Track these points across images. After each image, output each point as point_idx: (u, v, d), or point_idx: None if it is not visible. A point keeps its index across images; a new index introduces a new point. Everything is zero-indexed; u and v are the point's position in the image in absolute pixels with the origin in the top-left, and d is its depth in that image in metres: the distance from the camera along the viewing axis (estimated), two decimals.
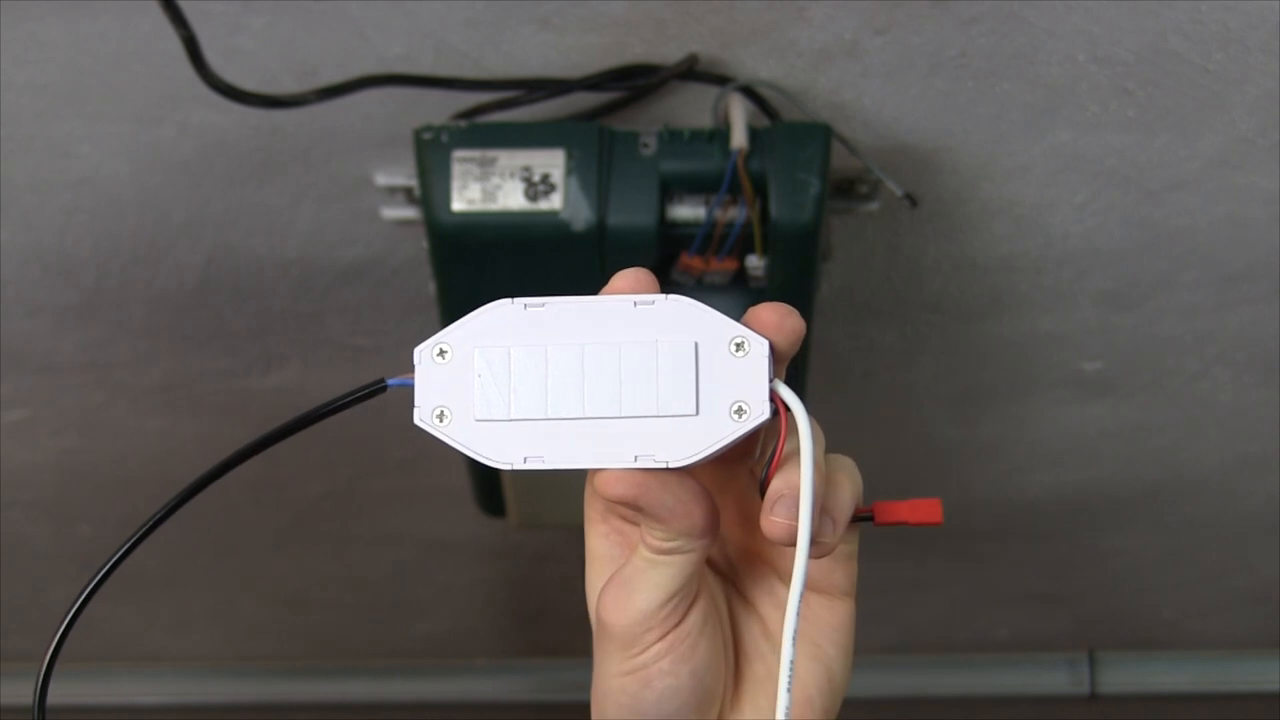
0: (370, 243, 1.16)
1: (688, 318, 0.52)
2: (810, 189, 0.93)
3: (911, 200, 1.02)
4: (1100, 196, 1.10)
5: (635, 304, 0.53)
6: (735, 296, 1.03)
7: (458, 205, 0.94)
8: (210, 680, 1.93)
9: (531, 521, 1.20)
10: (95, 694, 1.90)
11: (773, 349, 0.52)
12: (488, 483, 1.16)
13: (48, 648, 0.57)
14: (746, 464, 0.57)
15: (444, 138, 0.95)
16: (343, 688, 1.98)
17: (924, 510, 0.61)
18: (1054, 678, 1.87)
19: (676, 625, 0.54)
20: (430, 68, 0.97)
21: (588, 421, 0.54)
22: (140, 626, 1.90)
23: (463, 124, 0.95)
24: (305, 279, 1.20)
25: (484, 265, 0.97)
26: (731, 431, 0.52)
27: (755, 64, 0.97)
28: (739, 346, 0.52)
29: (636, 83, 0.97)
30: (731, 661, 0.57)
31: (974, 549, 1.73)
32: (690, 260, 0.97)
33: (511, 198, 0.94)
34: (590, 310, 0.54)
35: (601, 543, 0.59)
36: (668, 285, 1.02)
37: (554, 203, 0.94)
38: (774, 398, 0.52)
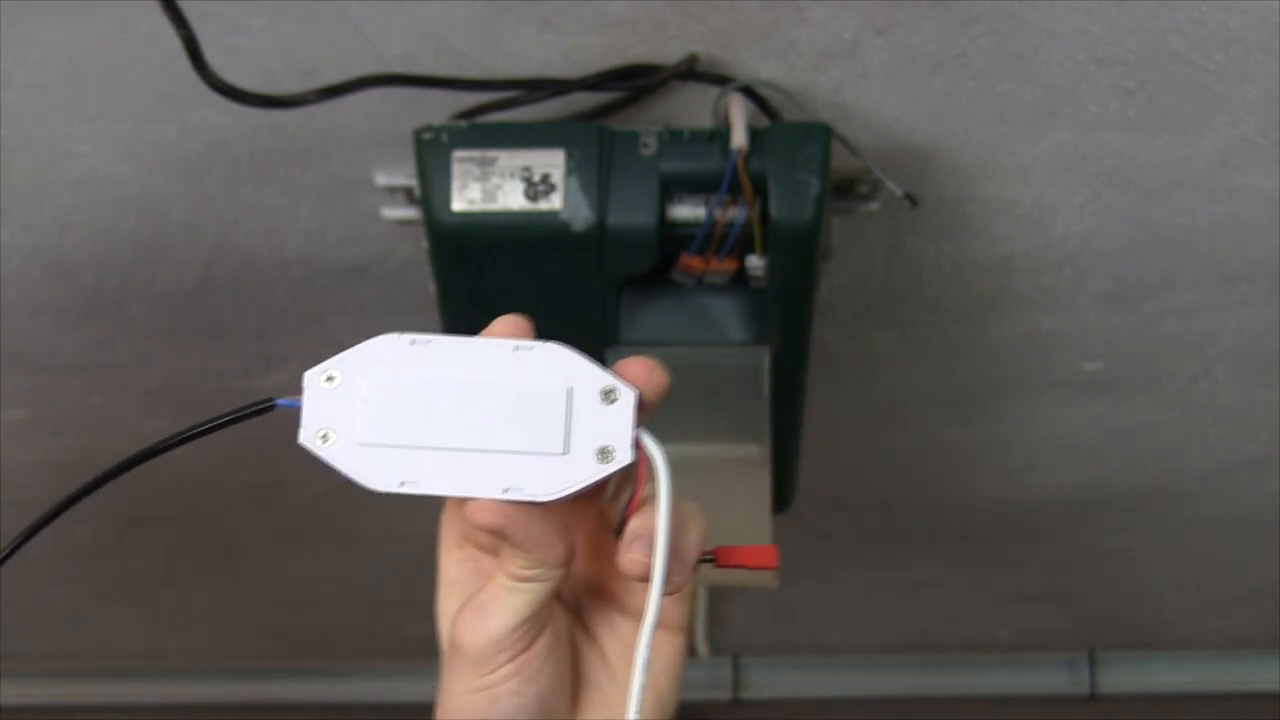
0: (370, 243, 1.16)
1: (563, 364, 0.57)
2: (810, 189, 0.93)
3: (911, 200, 1.02)
4: (1100, 196, 1.10)
5: (515, 348, 0.58)
6: (735, 296, 1.03)
7: (458, 205, 0.94)
8: (210, 680, 1.93)
9: None
10: (95, 694, 1.90)
11: (640, 399, 0.57)
12: None
13: None
14: (598, 503, 0.61)
15: (444, 138, 0.95)
16: (343, 688, 1.98)
17: (761, 556, 0.64)
18: (1054, 678, 1.87)
19: (526, 649, 0.58)
20: (430, 68, 0.97)
21: (464, 453, 0.57)
22: (140, 626, 1.90)
23: (463, 124, 0.95)
24: (305, 279, 1.20)
25: (484, 265, 0.97)
26: (596, 473, 0.57)
27: (755, 64, 0.97)
28: (608, 395, 0.57)
29: (636, 83, 0.97)
30: (569, 688, 0.61)
31: (974, 549, 1.73)
32: (690, 260, 0.97)
33: (511, 198, 0.94)
34: (473, 350, 0.60)
35: (456, 568, 0.62)
36: (668, 285, 1.02)
37: (554, 203, 0.94)
38: (637, 444, 0.57)
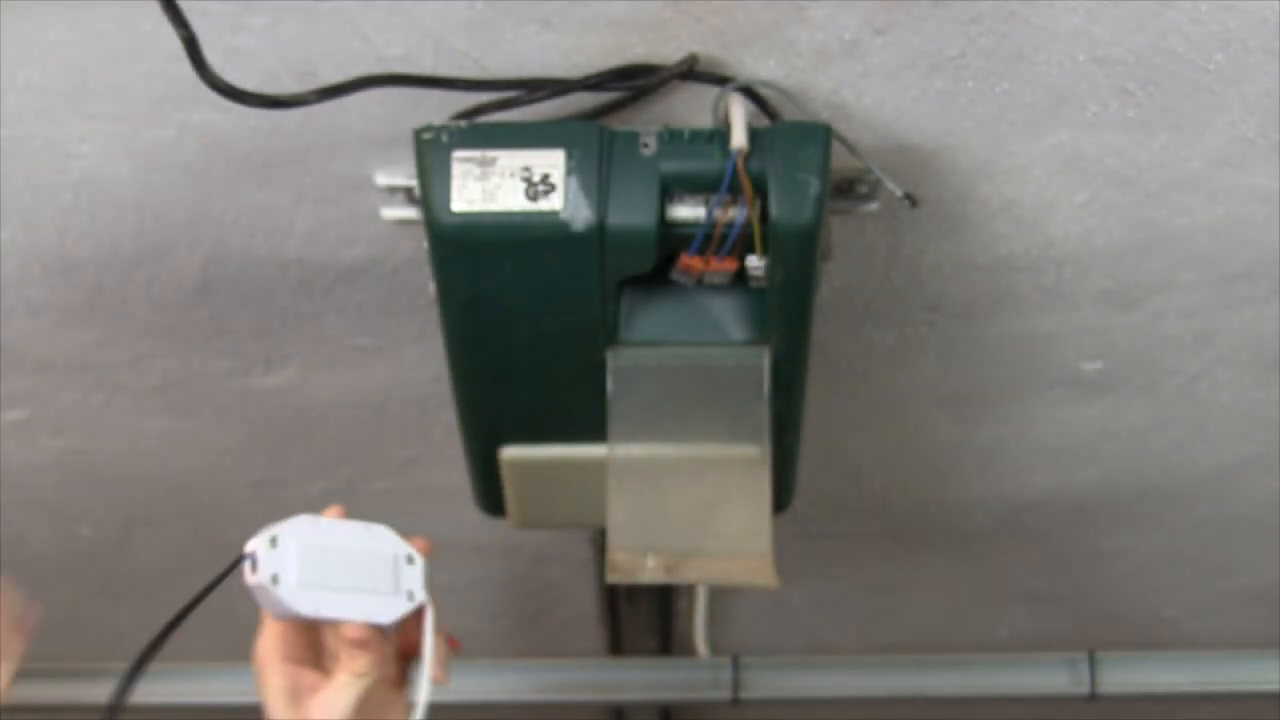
0: (370, 243, 1.16)
1: (389, 538, 0.94)
2: (810, 189, 0.93)
3: (911, 200, 1.02)
4: (1100, 196, 1.10)
5: (366, 528, 0.94)
6: (735, 296, 1.03)
7: (458, 205, 0.94)
8: (210, 680, 1.93)
9: (531, 521, 1.20)
10: (95, 694, 1.90)
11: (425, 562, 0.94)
12: (488, 483, 1.16)
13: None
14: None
15: (444, 138, 0.95)
16: None
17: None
18: (1054, 678, 1.86)
19: None
20: (430, 68, 0.97)
21: (344, 591, 0.91)
22: (140, 626, 1.89)
23: (463, 124, 0.95)
24: (305, 279, 1.20)
25: (484, 265, 0.97)
26: (410, 607, 0.93)
27: (755, 64, 0.97)
28: (410, 559, 0.94)
29: (636, 83, 0.97)
30: None
31: (974, 549, 1.73)
32: (690, 260, 0.97)
33: (511, 198, 0.94)
34: (346, 528, 0.93)
35: (280, 680, 0.93)
36: (668, 285, 1.02)
37: (554, 203, 0.94)
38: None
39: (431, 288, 1.02)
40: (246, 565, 0.91)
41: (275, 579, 0.90)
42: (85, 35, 0.96)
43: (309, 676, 0.92)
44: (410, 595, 0.93)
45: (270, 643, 0.93)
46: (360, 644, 0.90)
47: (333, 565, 0.91)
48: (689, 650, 1.94)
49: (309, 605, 0.90)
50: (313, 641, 0.94)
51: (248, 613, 2.02)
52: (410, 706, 0.94)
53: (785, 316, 1.00)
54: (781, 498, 1.16)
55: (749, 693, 1.84)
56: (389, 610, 0.92)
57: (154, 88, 1.00)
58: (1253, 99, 1.00)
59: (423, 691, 0.94)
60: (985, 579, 1.82)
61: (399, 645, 0.95)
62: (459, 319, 1.02)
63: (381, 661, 0.91)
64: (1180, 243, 1.15)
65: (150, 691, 1.88)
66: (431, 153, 0.94)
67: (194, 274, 1.19)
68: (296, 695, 0.91)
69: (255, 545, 0.91)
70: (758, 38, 0.95)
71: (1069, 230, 1.14)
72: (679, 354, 1.03)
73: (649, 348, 1.03)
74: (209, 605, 1.92)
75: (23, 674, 2.02)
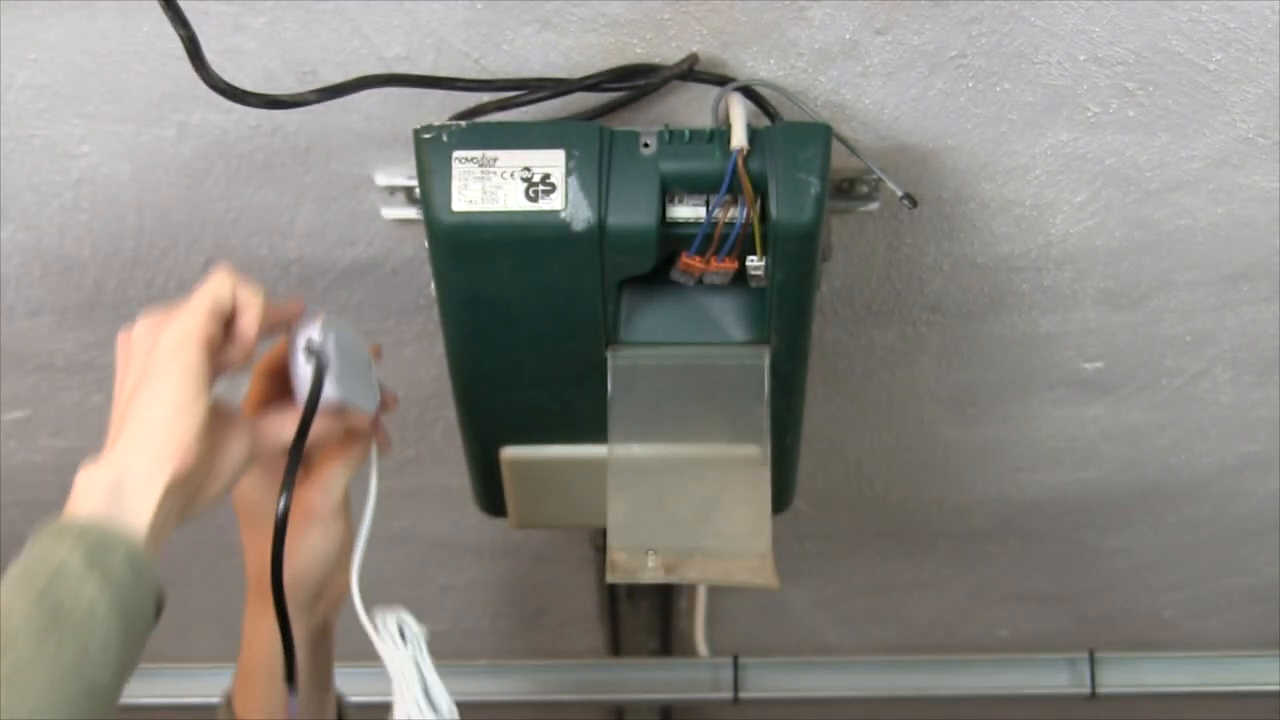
0: (370, 243, 1.16)
1: (361, 340, 1.00)
2: (810, 189, 0.93)
3: (911, 200, 1.02)
4: (1100, 196, 1.10)
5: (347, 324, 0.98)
6: (735, 296, 1.03)
7: (458, 205, 0.94)
8: (210, 680, 1.93)
9: (531, 521, 1.20)
10: None
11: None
12: (488, 483, 1.16)
13: None
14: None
15: (444, 138, 0.95)
16: (342, 687, 1.98)
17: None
18: (1054, 678, 1.86)
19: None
20: (430, 68, 0.97)
21: (354, 383, 0.96)
22: None
23: (463, 124, 0.95)
24: (305, 279, 1.20)
25: (484, 265, 0.97)
26: (378, 400, 1.00)
27: (755, 64, 0.97)
28: (369, 361, 1.01)
29: (636, 83, 0.97)
30: None
31: (974, 549, 1.73)
32: (690, 260, 0.97)
33: (511, 198, 0.94)
34: (342, 325, 0.97)
35: (259, 493, 0.99)
36: (668, 285, 1.02)
37: (554, 203, 0.94)
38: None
39: (431, 288, 1.02)
40: (303, 355, 0.93)
41: (325, 368, 0.93)
42: (85, 35, 0.96)
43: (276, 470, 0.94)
44: (378, 390, 1.00)
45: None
46: (366, 432, 0.98)
47: (348, 359, 0.95)
48: (689, 650, 1.94)
49: (341, 394, 0.94)
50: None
51: None
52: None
53: (785, 316, 1.00)
54: (781, 498, 1.16)
55: (749, 693, 1.84)
56: (371, 402, 0.99)
57: (154, 88, 1.00)
58: (1253, 99, 1.00)
59: (373, 484, 1.02)
60: (985, 579, 1.82)
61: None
62: (459, 319, 1.02)
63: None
64: (1180, 243, 1.15)
65: (150, 691, 1.88)
66: (431, 153, 0.94)
67: (194, 274, 1.19)
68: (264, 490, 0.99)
69: (312, 333, 0.93)
70: (758, 38, 0.95)
71: (1069, 230, 1.14)
72: (679, 354, 1.03)
73: (649, 348, 1.03)
74: (209, 605, 1.93)
75: None
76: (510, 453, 1.13)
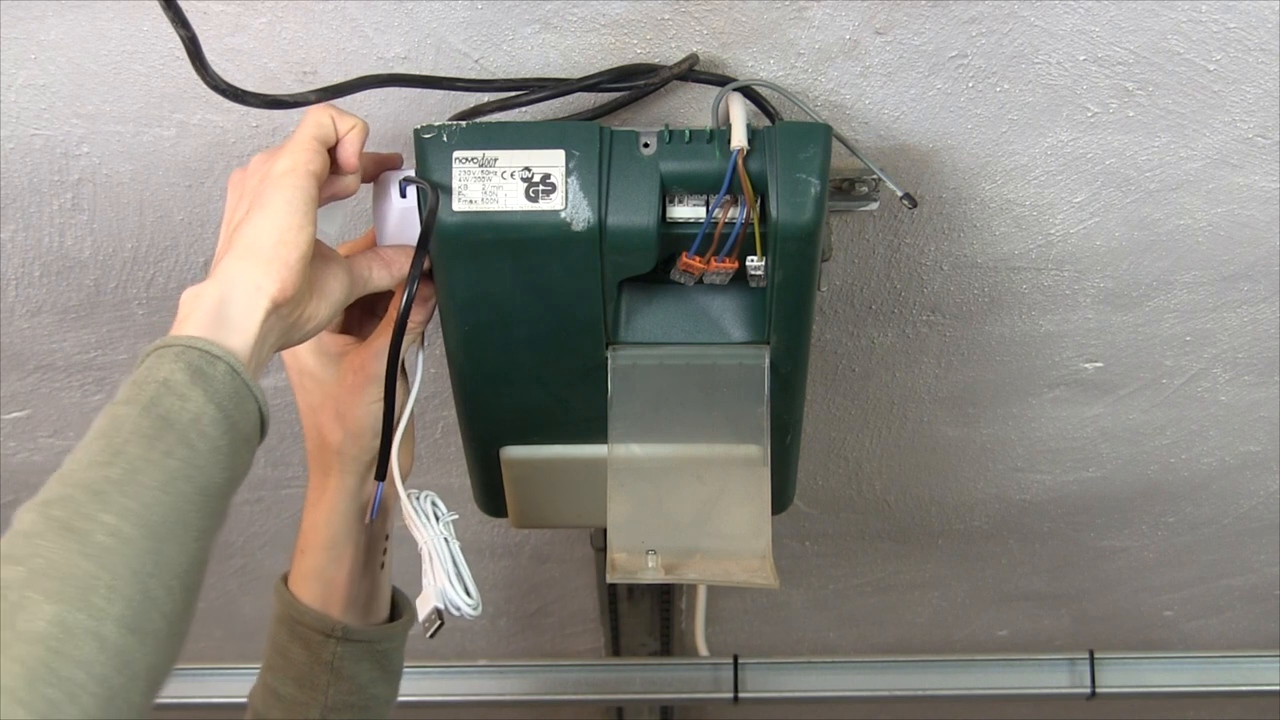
0: None
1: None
2: (810, 189, 0.93)
3: (911, 200, 1.02)
4: (1100, 196, 1.10)
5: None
6: (735, 296, 1.03)
7: (458, 205, 0.94)
8: (211, 680, 1.93)
9: (531, 521, 1.20)
10: None
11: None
12: (488, 483, 1.16)
13: None
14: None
15: (444, 138, 0.95)
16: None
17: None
18: (1054, 678, 1.87)
19: None
20: (430, 68, 0.98)
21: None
22: None
23: (463, 124, 0.95)
24: None
25: (484, 265, 0.97)
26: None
27: (755, 64, 0.97)
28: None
29: (636, 83, 0.97)
30: None
31: (974, 549, 1.73)
32: (690, 260, 0.97)
33: (511, 198, 0.94)
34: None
35: (320, 361, 1.03)
36: (668, 285, 1.02)
37: (554, 203, 0.94)
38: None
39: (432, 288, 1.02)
40: (398, 189, 0.97)
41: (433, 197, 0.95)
42: (85, 35, 0.96)
43: (346, 341, 1.03)
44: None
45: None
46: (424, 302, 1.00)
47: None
48: (689, 650, 1.94)
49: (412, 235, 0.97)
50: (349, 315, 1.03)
51: (248, 613, 2.04)
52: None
53: (785, 316, 1.00)
54: (781, 498, 1.16)
55: (749, 693, 1.84)
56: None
57: (154, 88, 1.00)
58: (1253, 99, 1.00)
59: (420, 360, 1.04)
60: (985, 579, 1.83)
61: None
62: (459, 319, 1.02)
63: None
64: (1180, 243, 1.15)
65: None
66: (431, 153, 0.94)
67: (194, 274, 1.19)
68: (344, 353, 1.02)
69: (408, 173, 0.97)
70: (758, 38, 0.95)
71: (1069, 230, 1.14)
72: (679, 354, 1.03)
73: (649, 348, 1.03)
74: (208, 606, 1.93)
75: None
76: (510, 453, 1.13)
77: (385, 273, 0.95)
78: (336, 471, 1.02)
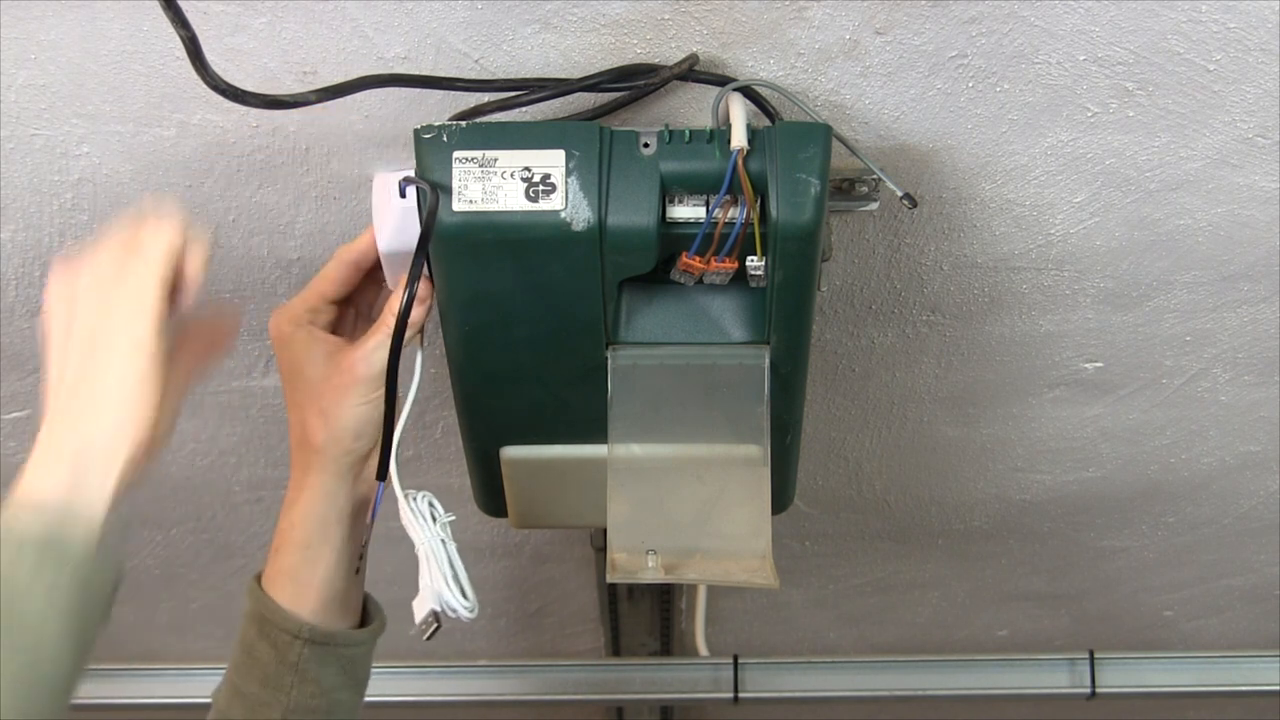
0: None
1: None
2: (810, 189, 0.93)
3: (911, 200, 1.02)
4: (1100, 196, 1.10)
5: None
6: (735, 296, 1.03)
7: (458, 205, 0.94)
8: (210, 680, 1.93)
9: (531, 521, 1.20)
10: (95, 694, 1.90)
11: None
12: (488, 483, 1.16)
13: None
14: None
15: (444, 138, 0.95)
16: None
17: None
18: (1054, 678, 1.87)
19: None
20: (431, 68, 0.97)
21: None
22: (140, 626, 1.90)
23: (463, 124, 0.95)
24: (305, 279, 1.20)
25: (484, 265, 0.97)
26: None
27: (755, 64, 0.97)
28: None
29: (636, 83, 0.97)
30: None
31: (974, 549, 1.73)
32: (690, 260, 0.97)
33: (511, 198, 0.94)
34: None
35: (310, 347, 1.03)
36: (668, 285, 1.02)
37: (554, 203, 0.94)
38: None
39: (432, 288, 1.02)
40: (397, 190, 0.99)
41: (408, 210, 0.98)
42: (85, 35, 0.96)
43: (329, 339, 1.03)
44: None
45: (299, 311, 1.04)
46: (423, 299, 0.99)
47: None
48: (689, 650, 1.94)
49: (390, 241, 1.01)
50: (335, 315, 1.05)
51: None
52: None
53: (785, 316, 1.00)
54: (781, 498, 1.16)
55: (749, 693, 1.84)
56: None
57: (154, 88, 1.00)
58: (1253, 99, 1.00)
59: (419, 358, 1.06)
60: (985, 579, 1.83)
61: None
62: (459, 319, 1.02)
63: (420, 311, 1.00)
64: (1180, 243, 1.15)
65: (150, 692, 1.88)
66: (431, 153, 0.94)
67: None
68: (331, 352, 1.02)
69: (404, 176, 0.98)
70: (758, 38, 0.95)
71: (1069, 230, 1.14)
72: (679, 354, 1.03)
73: (649, 348, 1.03)
74: (208, 606, 1.93)
75: None
76: (510, 453, 1.13)
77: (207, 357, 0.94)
78: (316, 470, 1.02)
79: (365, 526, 1.05)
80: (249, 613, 1.03)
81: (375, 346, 1.01)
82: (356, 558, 1.05)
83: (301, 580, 1.02)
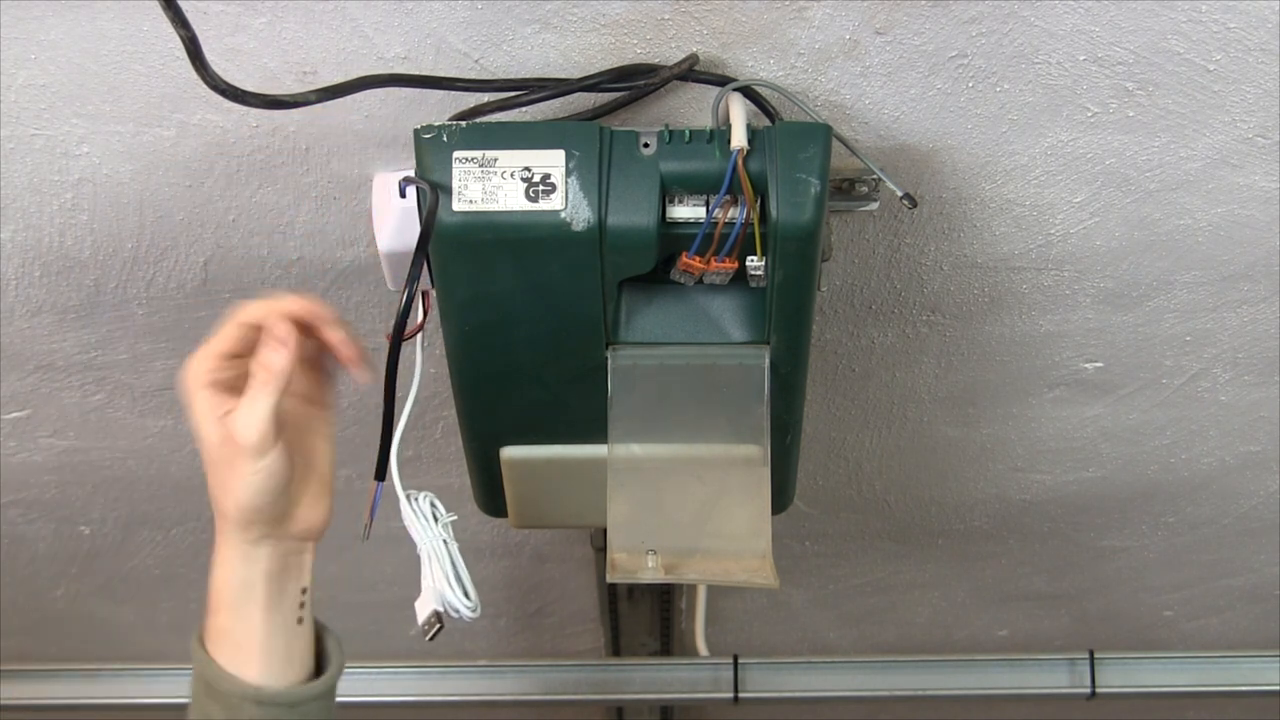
0: (370, 243, 1.16)
1: None
2: (810, 189, 0.93)
3: (911, 200, 1.02)
4: (1100, 196, 1.10)
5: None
6: (735, 296, 1.03)
7: (458, 205, 0.94)
8: None
9: (531, 521, 1.20)
10: (95, 694, 1.90)
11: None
12: (488, 483, 1.16)
13: None
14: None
15: (444, 138, 0.95)
16: (342, 687, 1.98)
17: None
18: (1054, 678, 1.87)
19: (280, 433, 0.95)
20: (430, 68, 0.97)
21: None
22: (140, 626, 1.90)
23: (463, 124, 0.95)
24: (305, 279, 1.20)
25: (484, 265, 0.97)
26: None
27: (755, 64, 0.97)
28: None
29: (636, 83, 0.97)
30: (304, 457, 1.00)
31: (974, 549, 1.73)
32: (690, 260, 0.97)
33: (511, 198, 0.94)
34: None
35: (208, 405, 0.96)
36: (668, 285, 1.02)
37: (554, 203, 0.94)
38: None
39: (432, 288, 1.02)
40: (396, 190, 0.99)
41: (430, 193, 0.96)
42: (85, 35, 0.96)
43: (232, 401, 0.95)
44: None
45: (198, 369, 0.96)
46: (281, 343, 0.93)
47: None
48: (689, 650, 1.94)
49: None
50: (239, 373, 0.96)
51: None
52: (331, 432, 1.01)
53: (785, 316, 1.00)
54: (781, 498, 1.16)
55: (749, 693, 1.84)
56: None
57: (154, 88, 1.00)
58: (1253, 99, 1.00)
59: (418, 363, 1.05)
60: (985, 579, 1.83)
61: (313, 361, 0.99)
62: (459, 319, 1.02)
63: (289, 371, 0.94)
64: (1180, 243, 1.15)
65: (151, 692, 1.88)
66: (431, 153, 0.94)
67: (194, 274, 1.19)
68: (222, 416, 0.95)
69: (404, 176, 0.98)
70: (758, 38, 0.95)
71: (1069, 230, 1.14)
72: (679, 354, 1.03)
73: (649, 348, 1.03)
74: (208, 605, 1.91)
75: (22, 674, 2.01)
76: (510, 453, 1.13)
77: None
78: (227, 535, 0.99)
79: (298, 577, 1.02)
80: (195, 673, 1.01)
81: (248, 409, 0.94)
82: (297, 608, 1.01)
83: (237, 640, 0.99)
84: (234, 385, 0.96)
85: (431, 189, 0.93)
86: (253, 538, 0.98)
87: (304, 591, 1.02)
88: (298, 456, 0.98)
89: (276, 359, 0.93)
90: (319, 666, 1.04)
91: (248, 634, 0.99)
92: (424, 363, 1.06)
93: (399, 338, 0.97)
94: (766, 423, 1.03)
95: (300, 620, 1.02)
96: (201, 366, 0.95)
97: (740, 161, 0.92)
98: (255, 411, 0.93)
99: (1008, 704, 1.91)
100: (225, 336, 0.95)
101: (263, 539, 0.98)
